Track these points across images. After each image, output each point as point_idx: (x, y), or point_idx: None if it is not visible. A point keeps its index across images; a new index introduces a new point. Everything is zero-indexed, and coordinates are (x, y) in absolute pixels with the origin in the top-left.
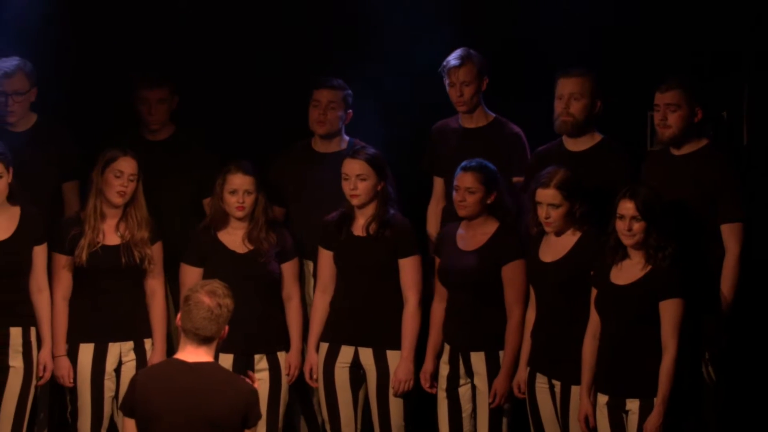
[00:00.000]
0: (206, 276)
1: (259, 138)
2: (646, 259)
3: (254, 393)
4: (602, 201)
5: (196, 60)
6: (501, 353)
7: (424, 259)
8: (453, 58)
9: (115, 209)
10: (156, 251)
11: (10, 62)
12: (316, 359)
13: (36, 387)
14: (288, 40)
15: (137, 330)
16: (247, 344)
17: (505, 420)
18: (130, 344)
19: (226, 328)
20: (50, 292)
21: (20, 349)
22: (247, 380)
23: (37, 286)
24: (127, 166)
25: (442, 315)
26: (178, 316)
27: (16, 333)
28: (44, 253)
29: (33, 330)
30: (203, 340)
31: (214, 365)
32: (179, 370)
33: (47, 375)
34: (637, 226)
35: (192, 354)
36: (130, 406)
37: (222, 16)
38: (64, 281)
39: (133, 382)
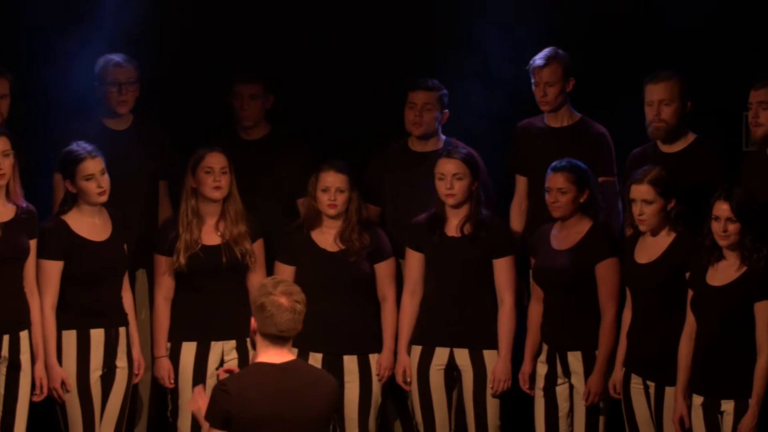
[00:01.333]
0: (299, 275)
1: (355, 138)
2: (741, 260)
3: (338, 386)
4: (697, 201)
5: (293, 60)
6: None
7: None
8: (539, 58)
9: (213, 208)
10: (258, 248)
11: (120, 55)
12: (408, 361)
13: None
14: (385, 40)
15: (239, 329)
16: (337, 344)
17: (602, 419)
18: (233, 343)
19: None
20: (152, 293)
21: (126, 348)
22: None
23: (125, 285)
24: (216, 161)
25: (539, 315)
26: (253, 321)
27: (123, 333)
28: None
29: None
30: (286, 341)
31: (299, 362)
32: (271, 373)
33: (141, 373)
34: (732, 227)
35: (277, 355)
36: (224, 416)
37: (319, 16)
38: (166, 282)
39: (225, 392)
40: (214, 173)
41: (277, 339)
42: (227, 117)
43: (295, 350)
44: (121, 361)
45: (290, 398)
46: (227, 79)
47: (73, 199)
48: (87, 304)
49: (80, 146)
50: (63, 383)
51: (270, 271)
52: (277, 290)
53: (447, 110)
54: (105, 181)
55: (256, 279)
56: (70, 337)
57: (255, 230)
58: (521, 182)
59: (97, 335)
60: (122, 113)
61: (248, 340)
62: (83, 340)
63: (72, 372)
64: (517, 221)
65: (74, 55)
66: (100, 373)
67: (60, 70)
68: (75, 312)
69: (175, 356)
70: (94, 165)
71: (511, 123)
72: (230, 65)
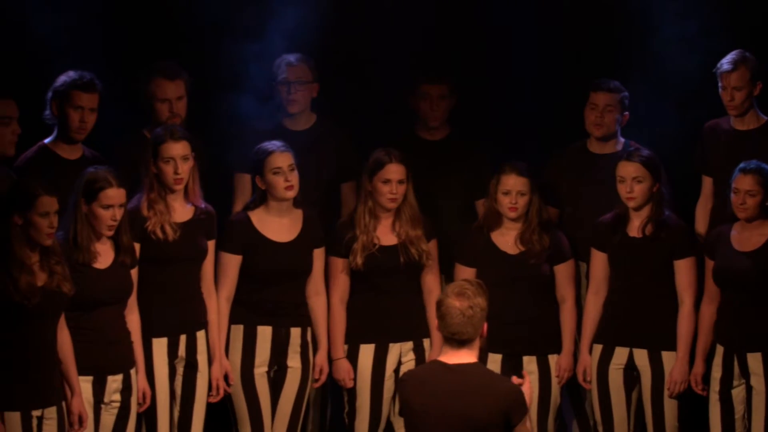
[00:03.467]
0: (479, 277)
1: (534, 139)
2: None
3: (515, 392)
4: None
5: (473, 61)
6: None
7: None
8: (726, 62)
9: (387, 211)
10: (432, 248)
11: (295, 54)
12: (589, 361)
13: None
14: (565, 40)
15: (417, 330)
16: (516, 345)
17: None
18: (410, 344)
19: (485, 326)
20: (327, 295)
21: (299, 349)
22: (512, 380)
23: (315, 289)
24: (394, 172)
25: (712, 316)
26: (436, 321)
27: (296, 334)
28: (323, 256)
29: (310, 330)
30: (462, 343)
31: (475, 366)
32: (439, 372)
33: (323, 378)
34: None
35: (452, 356)
36: (401, 407)
37: (497, 16)
38: (342, 284)
39: (402, 381)
40: (391, 184)
41: (450, 340)
42: (407, 116)
43: (498, 356)
44: (293, 362)
45: (446, 398)
46: (407, 79)
47: (262, 197)
48: (259, 302)
49: (271, 142)
50: (227, 377)
51: (449, 272)
52: (452, 292)
53: (627, 112)
54: (293, 176)
55: (429, 279)
56: (237, 331)
57: (429, 230)
58: (707, 183)
59: (264, 332)
60: (293, 113)
61: (425, 341)
62: (249, 335)
63: (237, 366)
64: (702, 222)
65: (255, 56)
66: (266, 369)
67: (241, 71)
68: (245, 307)
69: (353, 358)
70: (282, 159)
71: (688, 123)
72: (413, 65)
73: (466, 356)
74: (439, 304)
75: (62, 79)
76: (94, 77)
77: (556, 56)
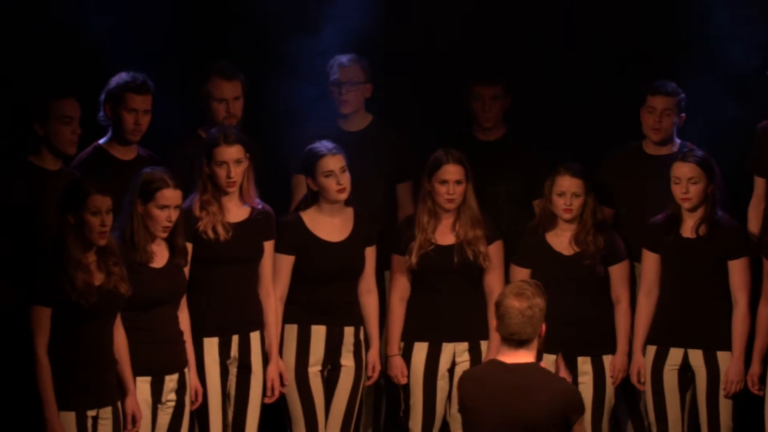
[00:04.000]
0: (533, 277)
1: (590, 139)
2: None
3: (572, 392)
4: None
5: (528, 60)
6: None
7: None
8: None
9: (447, 211)
10: (494, 250)
11: (348, 55)
12: (642, 362)
13: (364, 386)
14: (619, 41)
15: (473, 331)
16: (571, 346)
17: None
18: (465, 345)
19: (543, 326)
20: (387, 292)
21: (352, 348)
22: (568, 379)
23: (367, 287)
24: (451, 173)
25: None
26: (494, 322)
27: (349, 332)
28: (374, 255)
29: (362, 329)
30: (520, 343)
31: (533, 366)
32: (497, 371)
33: (375, 375)
34: None
35: (511, 356)
36: (459, 406)
37: (552, 16)
38: (401, 282)
39: (459, 383)
40: (449, 185)
41: (509, 341)
42: (462, 117)
43: (553, 357)
44: (347, 360)
45: (503, 397)
46: (463, 79)
47: (314, 198)
48: (312, 301)
49: (322, 144)
50: (281, 377)
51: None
52: (511, 293)
53: (684, 114)
54: (345, 178)
55: (491, 281)
56: (291, 331)
57: (493, 232)
58: (759, 183)
59: (318, 332)
60: (345, 113)
61: (483, 343)
62: (304, 335)
63: (291, 365)
64: (755, 222)
65: (311, 57)
66: (319, 368)
67: (297, 71)
68: (299, 307)
69: (407, 355)
70: (334, 162)
71: (744, 124)
72: (468, 64)
73: (525, 356)
74: (498, 305)
75: (115, 81)
76: (147, 78)
77: (613, 55)
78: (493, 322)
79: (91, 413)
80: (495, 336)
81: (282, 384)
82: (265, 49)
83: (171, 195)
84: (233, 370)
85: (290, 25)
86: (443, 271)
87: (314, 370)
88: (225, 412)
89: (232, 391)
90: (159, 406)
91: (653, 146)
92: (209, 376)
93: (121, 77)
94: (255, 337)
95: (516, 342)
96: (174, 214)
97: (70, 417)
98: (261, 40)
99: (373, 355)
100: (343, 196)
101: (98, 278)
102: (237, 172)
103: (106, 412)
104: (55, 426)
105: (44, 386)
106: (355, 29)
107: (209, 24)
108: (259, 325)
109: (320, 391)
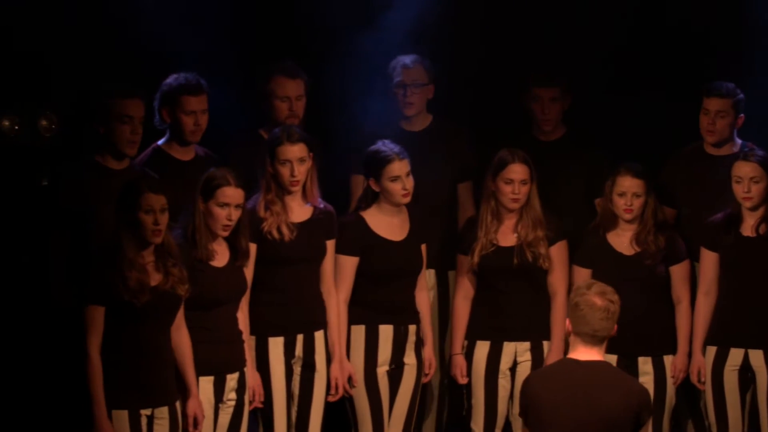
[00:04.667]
0: (595, 277)
1: (651, 139)
2: None
3: (646, 392)
4: None
5: (588, 60)
6: None
7: None
8: None
9: (510, 211)
10: (557, 251)
11: (410, 56)
12: (702, 361)
13: (423, 384)
14: (677, 42)
15: (535, 330)
16: (631, 346)
17: None
18: (527, 345)
19: (615, 326)
20: (453, 291)
21: (414, 346)
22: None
23: (420, 285)
24: (518, 172)
25: None
26: (568, 321)
27: (412, 331)
28: (425, 253)
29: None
30: (599, 341)
31: (606, 364)
32: (571, 369)
33: (431, 372)
34: None
35: (584, 353)
36: (523, 409)
37: (612, 16)
38: (465, 281)
39: (525, 383)
40: (514, 185)
41: (590, 338)
42: (525, 117)
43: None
44: (410, 359)
45: (581, 395)
46: (525, 78)
47: (374, 197)
48: (378, 301)
49: (387, 146)
50: (350, 378)
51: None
52: (591, 290)
53: (743, 114)
54: (410, 182)
55: (556, 281)
56: (358, 332)
57: (557, 233)
58: None
59: (386, 331)
60: (409, 115)
61: (545, 343)
62: (372, 335)
63: (359, 367)
64: None
65: (369, 56)
66: (387, 368)
67: (358, 70)
68: (365, 307)
69: (469, 354)
70: (400, 167)
71: None
72: (528, 64)
73: (597, 354)
74: (578, 304)
75: (168, 84)
76: (199, 78)
77: (676, 55)
78: (557, 323)
79: (145, 412)
80: (557, 336)
81: (351, 386)
82: (323, 48)
83: (231, 193)
84: (297, 370)
85: (348, 26)
86: (503, 271)
87: (382, 370)
88: (289, 413)
89: (296, 391)
90: (220, 405)
91: (712, 147)
92: (274, 375)
93: (174, 80)
94: (319, 336)
95: (596, 339)
96: (234, 213)
97: (123, 415)
98: (319, 39)
99: (428, 352)
100: (407, 199)
101: (155, 279)
102: (300, 171)
103: (162, 412)
104: (103, 425)
105: (94, 385)
106: (417, 27)
107: (270, 23)
108: (323, 324)
109: (387, 390)
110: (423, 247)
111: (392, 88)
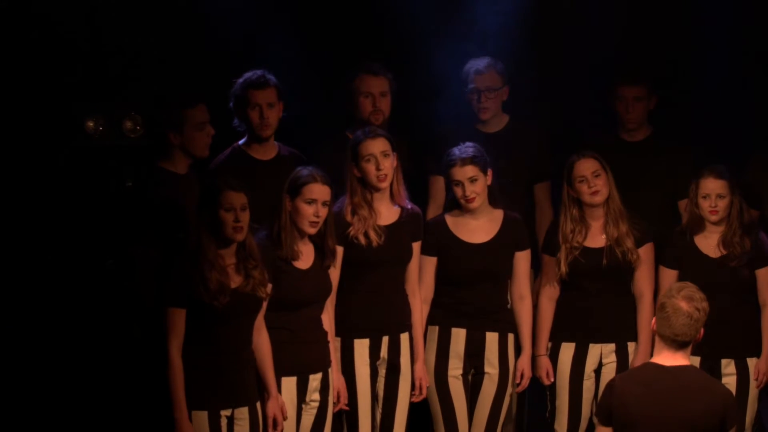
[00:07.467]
0: (680, 279)
1: (735, 140)
2: None
3: (732, 397)
4: None
5: (673, 61)
6: None
7: None
8: None
9: (596, 211)
10: (644, 252)
11: (483, 60)
12: None
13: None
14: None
15: (621, 332)
16: (715, 348)
17: None
18: (612, 346)
19: (702, 330)
20: (537, 293)
21: (497, 355)
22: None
23: (519, 293)
24: (587, 167)
25: None
26: (653, 321)
27: (492, 338)
28: (527, 260)
29: (510, 337)
30: (681, 345)
31: (691, 368)
32: (657, 374)
33: (525, 383)
34: None
35: (669, 358)
36: (606, 412)
37: (696, 12)
38: (550, 282)
39: (610, 387)
40: (586, 182)
41: (671, 342)
42: (607, 117)
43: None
44: (490, 368)
45: (667, 400)
46: (607, 80)
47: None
48: (454, 303)
49: (460, 149)
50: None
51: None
52: (680, 294)
53: None
54: (471, 188)
55: (642, 282)
56: (432, 332)
57: (644, 234)
58: None
59: (458, 334)
60: (485, 119)
61: (630, 344)
62: (444, 337)
63: (431, 367)
64: None
65: (448, 57)
66: (460, 372)
67: (436, 71)
68: (441, 308)
69: (554, 356)
70: (461, 173)
71: None
72: (609, 63)
73: (682, 359)
74: (664, 305)
75: (237, 82)
76: (266, 72)
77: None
78: (644, 324)
79: (225, 413)
80: (644, 337)
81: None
82: (406, 53)
83: (318, 190)
84: (382, 371)
85: (430, 28)
86: (592, 273)
87: (454, 373)
88: (374, 414)
89: (381, 392)
90: (303, 406)
91: None
92: (359, 377)
93: (242, 77)
94: (404, 338)
95: (679, 344)
96: (322, 211)
97: (202, 416)
98: (404, 44)
99: (523, 362)
100: (473, 205)
101: (235, 280)
102: (386, 165)
103: (242, 413)
104: (184, 426)
105: (175, 387)
106: (497, 27)
107: (354, 26)
108: (408, 326)
109: (460, 394)
110: (519, 254)
111: (466, 93)
